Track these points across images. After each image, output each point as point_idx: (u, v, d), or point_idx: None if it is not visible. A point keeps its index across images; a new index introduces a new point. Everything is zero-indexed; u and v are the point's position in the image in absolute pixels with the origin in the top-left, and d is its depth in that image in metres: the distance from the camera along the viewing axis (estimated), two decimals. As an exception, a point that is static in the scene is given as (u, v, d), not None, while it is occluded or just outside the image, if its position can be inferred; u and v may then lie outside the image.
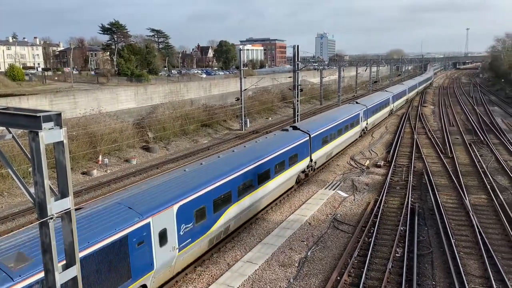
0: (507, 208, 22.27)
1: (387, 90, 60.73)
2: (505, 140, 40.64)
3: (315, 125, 30.04)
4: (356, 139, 40.77)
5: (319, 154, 29.56)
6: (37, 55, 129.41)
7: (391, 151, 36.67)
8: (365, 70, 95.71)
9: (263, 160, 21.21)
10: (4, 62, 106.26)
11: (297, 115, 41.26)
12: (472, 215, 21.34)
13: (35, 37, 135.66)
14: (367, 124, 43.67)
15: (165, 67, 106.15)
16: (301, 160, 26.30)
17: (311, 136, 27.69)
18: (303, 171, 27.42)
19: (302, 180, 27.78)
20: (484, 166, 31.12)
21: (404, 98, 69.26)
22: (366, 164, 32.86)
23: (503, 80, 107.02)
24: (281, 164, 23.28)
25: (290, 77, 48.69)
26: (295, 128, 28.42)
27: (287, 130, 27.93)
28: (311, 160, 28.16)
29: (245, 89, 52.53)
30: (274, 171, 22.50)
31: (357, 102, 44.39)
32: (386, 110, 53.92)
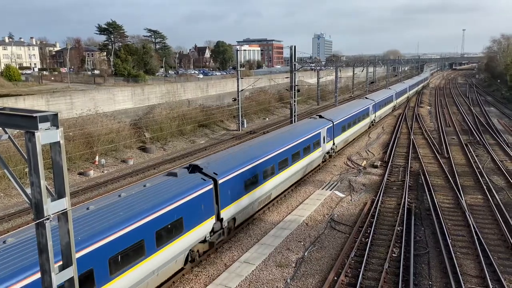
0: (503, 208, 22.38)
1: (368, 97, 50.37)
2: (501, 141, 40.82)
3: (232, 161, 20.05)
4: (319, 164, 31.91)
5: (235, 208, 19.38)
6: (34, 55, 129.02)
7: (388, 151, 36.76)
8: (362, 71, 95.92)
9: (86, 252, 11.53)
10: (0, 62, 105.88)
11: (294, 115, 41.33)
12: (469, 215, 21.42)
13: (31, 37, 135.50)
14: (334, 145, 34.07)
15: (162, 67, 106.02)
16: (195, 225, 16.34)
17: (220, 182, 17.90)
18: (204, 240, 17.39)
19: (203, 255, 17.84)
20: (480, 166, 31.24)
21: (391, 105, 60.66)
22: (363, 165, 32.94)
23: (499, 80, 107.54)
24: (135, 249, 13.31)
25: (287, 77, 48.73)
26: (195, 169, 18.06)
27: (175, 175, 17.29)
28: (219, 219, 18.15)
29: (242, 90, 52.55)
30: (109, 272, 12.44)
31: (321, 116, 34.19)
32: (364, 122, 44.46)
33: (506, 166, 31.38)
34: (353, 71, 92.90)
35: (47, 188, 6.04)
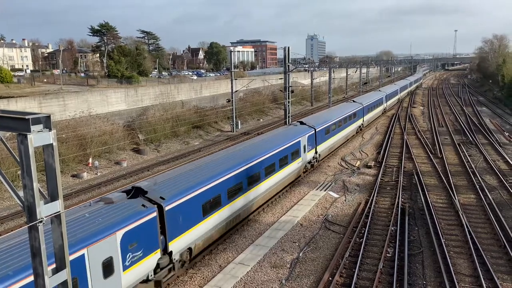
0: (495, 207, 22.56)
1: (355, 101, 47.44)
2: (493, 140, 41.16)
3: (187, 181, 17.08)
4: (300, 175, 29.15)
5: (190, 237, 16.57)
6: (26, 57, 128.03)
7: (382, 151, 36.91)
8: (355, 72, 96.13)
9: None
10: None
11: (289, 116, 41.39)
12: (462, 215, 21.56)
13: (23, 39, 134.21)
14: (316, 153, 31.24)
15: (155, 68, 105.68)
16: (129, 266, 13.42)
17: (167, 208, 15.06)
18: (147, 279, 14.66)
19: None
20: (473, 166, 31.46)
21: (380, 108, 58.57)
22: (356, 165, 33.04)
23: (490, 81, 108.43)
24: None
25: (281, 78, 48.77)
26: (137, 192, 15.31)
27: (109, 201, 14.33)
28: (167, 253, 15.37)
29: (236, 91, 52.53)
30: None
31: (302, 123, 31.12)
32: (351, 128, 41.76)
33: (499, 166, 31.64)
34: (347, 72, 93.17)
35: (40, 191, 5.99)
